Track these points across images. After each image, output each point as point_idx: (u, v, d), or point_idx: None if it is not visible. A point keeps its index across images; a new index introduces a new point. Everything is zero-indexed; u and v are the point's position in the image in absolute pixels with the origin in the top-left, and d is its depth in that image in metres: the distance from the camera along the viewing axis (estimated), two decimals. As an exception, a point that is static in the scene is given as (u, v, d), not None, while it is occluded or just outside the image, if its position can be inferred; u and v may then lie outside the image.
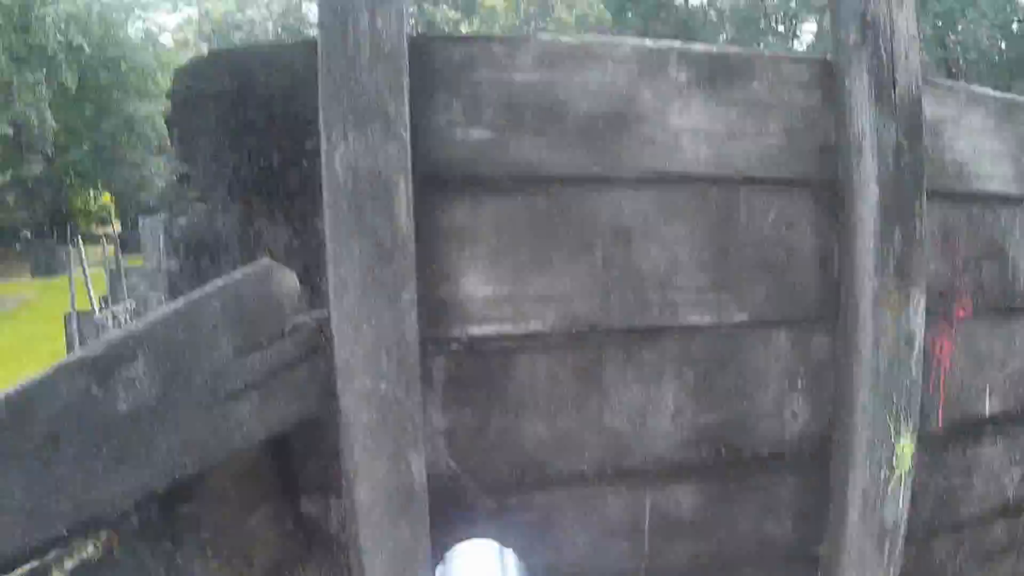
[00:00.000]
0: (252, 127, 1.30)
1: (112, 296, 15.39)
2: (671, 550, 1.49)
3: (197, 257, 1.33)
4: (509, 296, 1.34)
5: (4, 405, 1.07)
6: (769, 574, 1.59)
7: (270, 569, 1.36)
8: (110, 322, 12.73)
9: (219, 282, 1.21)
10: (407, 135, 1.21)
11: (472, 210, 1.32)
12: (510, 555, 1.08)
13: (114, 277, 16.54)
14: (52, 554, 1.15)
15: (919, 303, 1.54)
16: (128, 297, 14.58)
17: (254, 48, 1.36)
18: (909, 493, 1.56)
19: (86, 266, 15.72)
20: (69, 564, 1.17)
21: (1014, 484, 1.86)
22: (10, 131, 34.17)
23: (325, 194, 1.20)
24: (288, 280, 1.24)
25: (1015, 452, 1.84)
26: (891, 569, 1.59)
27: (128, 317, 12.91)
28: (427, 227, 1.27)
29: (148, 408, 1.14)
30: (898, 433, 1.53)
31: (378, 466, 1.24)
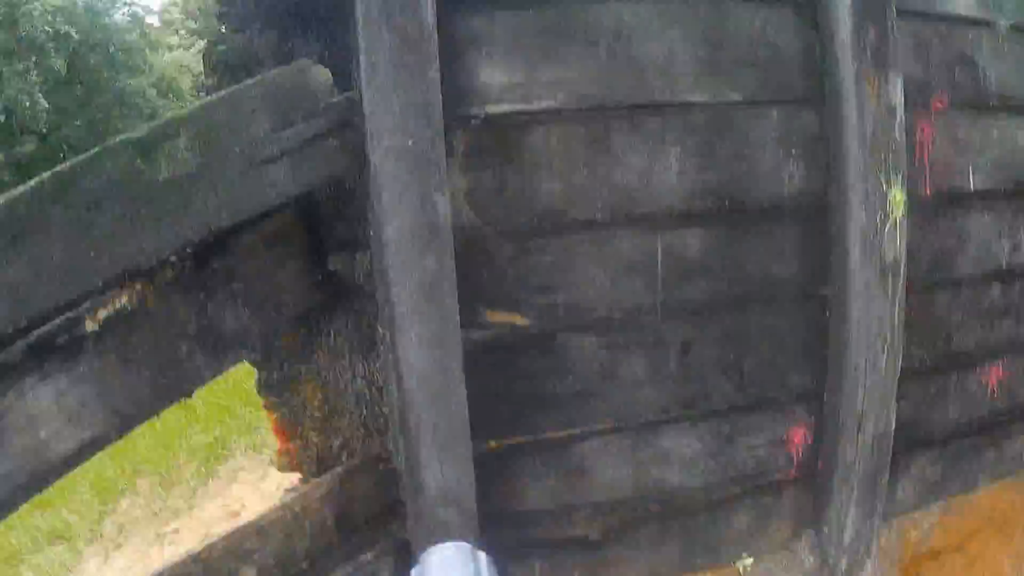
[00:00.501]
0: None
1: None
2: (684, 288, 1.70)
3: (234, 74, 1.57)
4: (523, 82, 1.54)
5: (50, 178, 1.21)
6: (779, 311, 1.79)
7: (298, 316, 1.58)
8: None
9: (258, 77, 1.44)
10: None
11: (488, 20, 1.52)
12: (483, 557, 1.08)
13: None
14: (86, 304, 1.29)
15: (896, 82, 1.73)
16: None
17: None
18: (904, 236, 1.76)
19: None
20: (103, 314, 1.32)
21: (1006, 254, 2.02)
22: (1, 116, 35.69)
23: (358, 4, 1.42)
24: (322, 73, 1.45)
25: (1003, 225, 2.01)
26: (895, 306, 1.79)
27: None
28: (448, 34, 1.47)
29: (188, 175, 1.30)
30: (889, 184, 1.72)
31: (406, 206, 1.44)
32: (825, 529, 1.96)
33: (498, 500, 1.74)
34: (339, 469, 1.61)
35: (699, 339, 1.75)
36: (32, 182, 1.20)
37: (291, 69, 1.45)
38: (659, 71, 1.62)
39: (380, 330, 1.55)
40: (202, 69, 1.72)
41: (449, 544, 1.09)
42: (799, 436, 1.88)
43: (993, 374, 2.09)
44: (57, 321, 1.27)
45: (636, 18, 1.61)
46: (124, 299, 1.36)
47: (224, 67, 1.57)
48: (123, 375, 1.36)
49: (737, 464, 1.86)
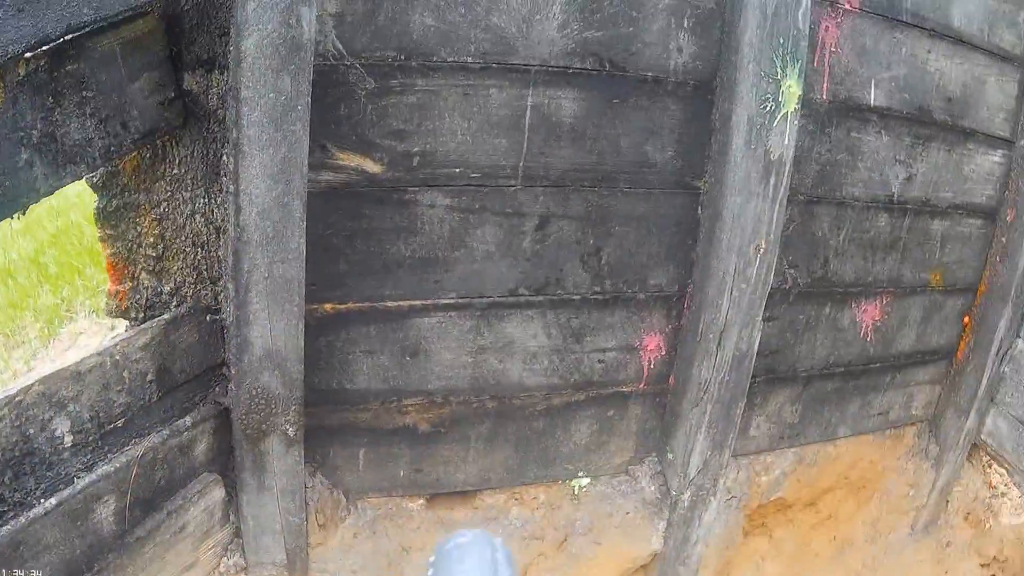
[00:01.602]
0: None
1: None
2: (550, 154, 1.82)
3: None
4: None
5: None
6: (649, 197, 1.93)
7: (144, 134, 1.60)
8: None
9: None
10: None
11: None
12: (500, 545, 1.18)
13: None
14: None
15: (804, -32, 1.89)
16: None
17: None
18: (794, 133, 1.92)
19: None
20: None
21: (899, 183, 2.23)
22: None
23: None
24: None
25: (899, 151, 2.22)
26: (775, 209, 1.95)
27: None
28: None
29: None
30: (784, 73, 1.87)
31: (269, 15, 1.48)
32: (670, 455, 2.12)
33: (326, 374, 1.83)
34: (165, 316, 1.65)
35: (558, 216, 1.87)
36: None
37: None
38: None
39: (225, 159, 1.57)
40: None
41: (466, 532, 1.18)
42: (653, 344, 2.04)
43: (869, 313, 2.31)
44: None
45: None
46: None
47: None
48: None
49: (583, 367, 2.01)
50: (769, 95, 1.87)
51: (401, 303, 1.81)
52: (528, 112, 1.78)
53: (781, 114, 1.90)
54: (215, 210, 1.66)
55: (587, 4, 1.77)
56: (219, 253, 1.67)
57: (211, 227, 1.67)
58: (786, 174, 1.95)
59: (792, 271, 2.13)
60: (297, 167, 1.56)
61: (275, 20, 1.49)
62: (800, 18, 1.88)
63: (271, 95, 1.51)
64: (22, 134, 1.43)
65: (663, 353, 2.05)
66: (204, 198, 1.67)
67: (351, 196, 1.71)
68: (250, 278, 1.59)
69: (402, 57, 1.67)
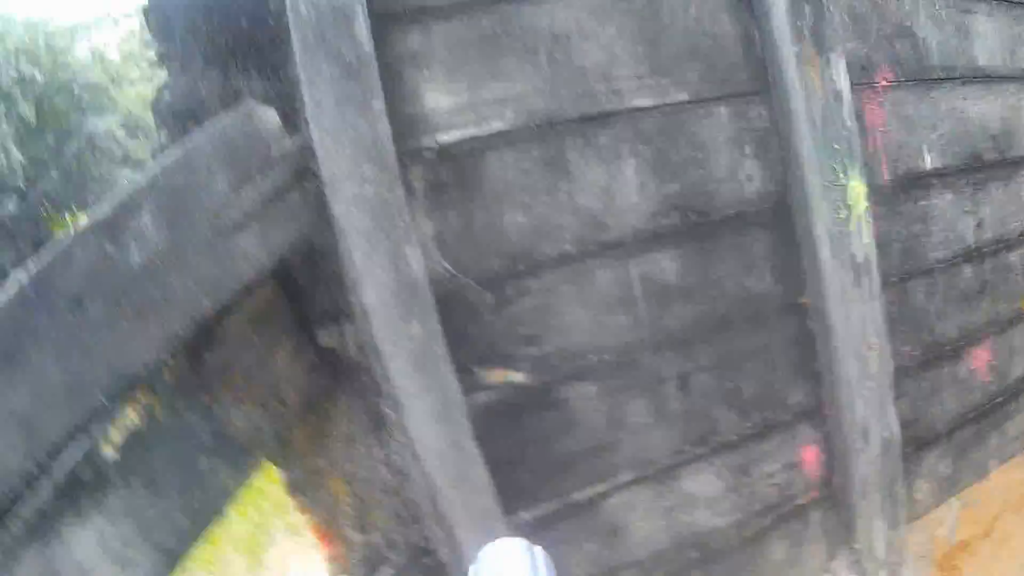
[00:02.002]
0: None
1: None
2: (668, 316, 1.88)
3: (184, 124, 1.67)
4: (469, 103, 1.71)
5: (29, 279, 1.35)
6: (764, 326, 1.99)
7: (303, 404, 1.68)
8: None
9: (207, 126, 1.55)
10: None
11: (424, 36, 1.68)
12: (540, 552, 1.24)
13: None
14: (96, 428, 1.43)
15: (839, 64, 2.00)
16: None
17: None
18: (870, 230, 2.00)
19: None
20: (118, 437, 1.47)
21: (971, 231, 2.32)
22: None
23: (293, 32, 1.55)
24: (269, 116, 1.58)
25: (964, 203, 2.32)
26: (874, 305, 2.03)
27: None
28: (387, 55, 1.63)
29: (160, 255, 1.44)
30: (845, 175, 1.97)
31: (379, 265, 1.57)
32: (857, 545, 2.15)
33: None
34: (388, 571, 1.69)
35: (694, 369, 1.93)
36: (10, 289, 1.32)
37: (238, 115, 1.56)
38: (602, 76, 1.82)
39: (385, 411, 1.63)
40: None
41: (505, 539, 1.25)
42: (811, 455, 2.08)
43: (981, 358, 2.37)
44: (75, 453, 1.39)
45: (571, 17, 1.80)
46: (132, 415, 1.48)
47: (172, 116, 1.66)
48: (154, 502, 1.48)
49: (759, 495, 2.04)
50: (839, 202, 1.95)
51: (586, 493, 1.85)
52: (636, 283, 1.85)
53: (854, 216, 1.98)
54: (392, 456, 1.71)
55: (656, 158, 1.85)
56: (412, 496, 1.72)
57: (395, 473, 1.72)
58: (874, 270, 2.02)
59: (906, 348, 2.19)
60: (456, 405, 1.63)
61: (386, 266, 1.57)
62: (847, 117, 1.98)
63: (407, 344, 1.59)
64: (193, 441, 1.52)
65: (821, 458, 2.10)
66: (378, 447, 1.73)
67: (509, 409, 1.75)
68: (450, 517, 1.63)
69: (508, 263, 1.74)
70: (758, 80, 1.97)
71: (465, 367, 1.69)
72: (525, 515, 1.79)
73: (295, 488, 1.76)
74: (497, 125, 1.72)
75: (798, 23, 1.93)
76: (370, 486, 1.74)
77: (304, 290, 1.68)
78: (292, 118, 1.62)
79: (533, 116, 1.75)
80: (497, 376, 1.73)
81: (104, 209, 1.45)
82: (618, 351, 1.84)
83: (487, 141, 1.72)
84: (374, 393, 1.69)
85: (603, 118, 1.81)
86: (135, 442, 1.48)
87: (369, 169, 1.57)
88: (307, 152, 1.57)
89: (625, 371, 1.86)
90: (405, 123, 1.65)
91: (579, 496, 1.84)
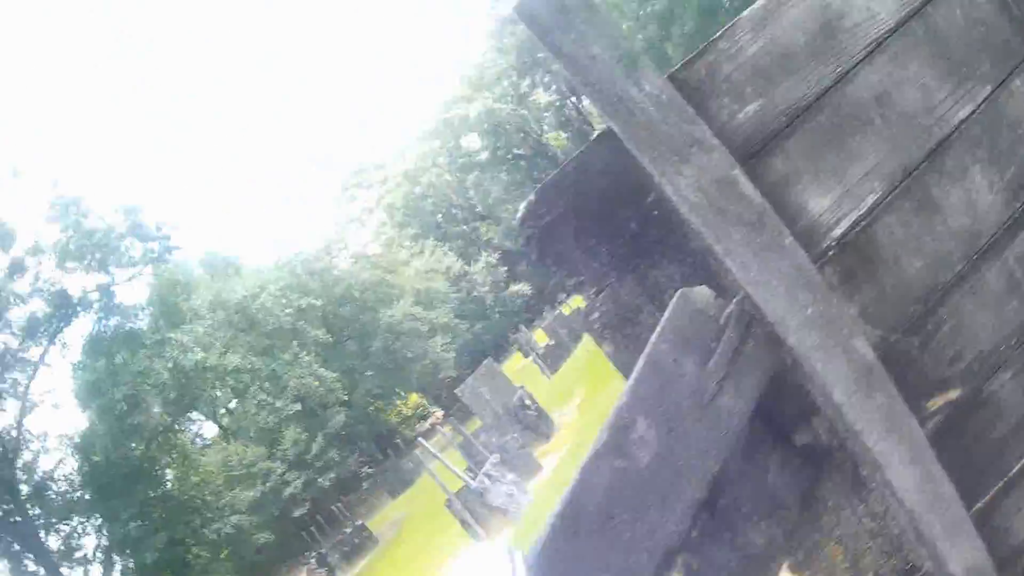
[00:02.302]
0: (602, 218, 1.92)
1: (474, 462, 19.45)
2: None
3: (621, 330, 1.97)
4: (842, 193, 1.92)
5: (558, 514, 1.69)
6: None
7: (800, 500, 2.00)
8: (487, 482, 16.35)
9: (657, 330, 1.83)
10: (718, 143, 1.80)
11: (784, 158, 1.90)
12: (519, 554, 1.49)
13: (465, 446, 21.58)
14: None
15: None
16: (490, 452, 18.45)
17: (566, 169, 1.95)
18: None
19: (436, 454, 19.91)
20: None
21: None
22: (297, 406, 46.40)
23: (692, 218, 1.80)
24: (702, 292, 1.85)
25: None
26: None
27: (498, 469, 16.70)
28: (763, 187, 1.87)
29: (662, 448, 1.76)
30: None
31: (836, 366, 1.82)
32: None
33: (1001, 550, 2.12)
34: None
35: None
36: (543, 529, 1.65)
37: (677, 304, 1.82)
38: (925, 110, 1.98)
39: (865, 472, 1.94)
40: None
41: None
42: None
43: None
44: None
45: (880, 75, 1.97)
46: None
47: (610, 331, 1.96)
48: None
49: None
50: None
51: (1019, 463, 2.08)
52: (1014, 267, 2.03)
53: None
54: (872, 506, 2.02)
55: (989, 155, 2.01)
56: (893, 531, 2.04)
57: (876, 519, 2.04)
58: None
59: None
60: (922, 446, 1.88)
61: (843, 364, 1.83)
62: None
63: (875, 415, 1.84)
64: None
65: None
66: (860, 503, 2.03)
67: (951, 424, 2.01)
68: (932, 537, 1.91)
69: (921, 304, 1.97)
70: (1024, 37, 2.11)
71: (916, 406, 1.95)
72: (980, 506, 2.07)
73: (798, 567, 2.10)
74: (871, 199, 1.94)
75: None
76: (857, 539, 2.06)
77: (772, 409, 1.97)
78: (716, 282, 1.89)
79: (894, 176, 1.95)
80: (937, 403, 2.01)
81: (603, 436, 1.75)
82: (1017, 332, 2.06)
83: (869, 216, 1.94)
84: (851, 463, 2.00)
85: (942, 146, 2.00)
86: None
87: (803, 295, 1.82)
88: (746, 307, 1.84)
89: (1019, 349, 2.09)
90: (805, 238, 1.89)
91: (1015, 469, 2.09)
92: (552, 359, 34.42)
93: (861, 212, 1.94)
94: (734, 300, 1.84)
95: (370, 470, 50.05)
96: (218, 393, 48.65)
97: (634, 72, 1.76)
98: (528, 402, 21.59)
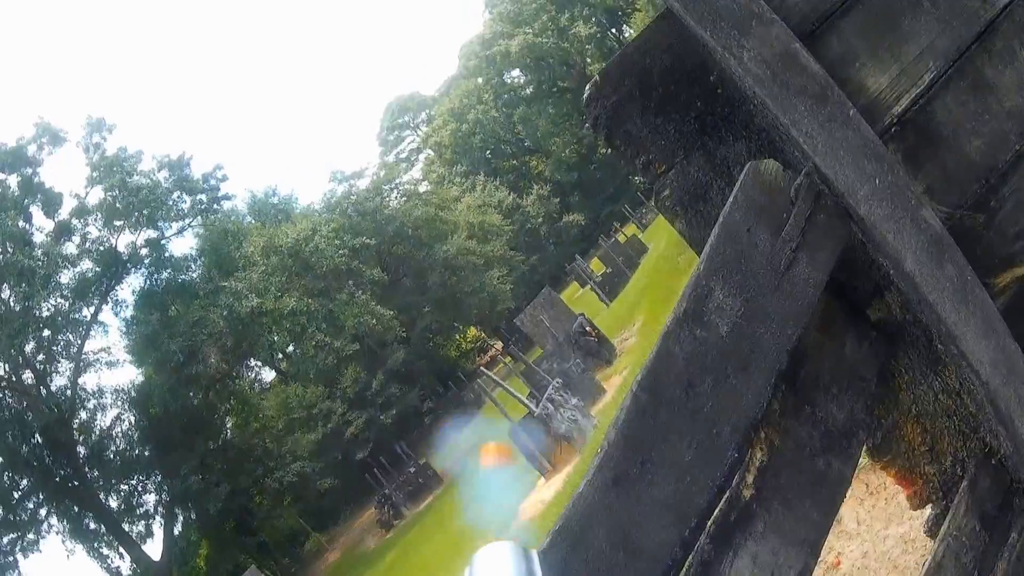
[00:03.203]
0: (667, 96, 1.91)
1: (538, 389, 18.76)
2: None
3: (694, 206, 1.97)
4: (899, 72, 1.85)
5: (638, 387, 1.62)
6: None
7: (878, 374, 1.98)
8: (551, 408, 15.90)
9: (729, 200, 1.82)
10: (776, 17, 1.80)
11: (839, 38, 1.86)
12: (536, 559, 1.22)
13: (528, 374, 20.90)
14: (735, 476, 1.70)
15: None
16: (552, 379, 17.76)
17: (627, 50, 1.95)
18: None
19: (499, 381, 19.81)
20: (751, 477, 1.74)
21: None
22: (356, 345, 46.14)
23: (759, 90, 1.78)
24: (771, 165, 1.82)
25: None
26: None
27: (561, 394, 16.24)
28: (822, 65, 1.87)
29: (741, 317, 1.68)
30: None
31: (907, 237, 1.77)
32: None
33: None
34: (964, 483, 2.00)
35: None
36: (626, 402, 1.60)
37: (747, 176, 1.80)
38: None
39: (940, 346, 1.92)
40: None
41: (497, 543, 1.26)
42: None
43: None
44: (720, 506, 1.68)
45: None
46: (758, 453, 1.74)
47: (683, 207, 1.96)
48: (789, 513, 1.73)
49: None
50: None
51: None
52: None
53: None
54: (948, 382, 2.00)
55: None
56: (970, 409, 2.02)
57: (952, 396, 2.01)
58: None
59: None
60: (995, 317, 1.84)
61: (913, 235, 1.78)
62: None
63: (948, 285, 1.79)
64: (809, 450, 1.82)
65: None
66: (936, 379, 2.00)
67: (1021, 299, 1.97)
68: (1009, 412, 1.84)
69: (983, 182, 1.93)
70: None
71: (985, 283, 1.92)
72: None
73: (877, 452, 2.07)
74: (928, 77, 1.87)
75: None
76: (934, 417, 2.01)
77: (845, 285, 1.96)
78: (782, 157, 1.89)
79: (948, 54, 1.90)
80: (1006, 278, 2.00)
81: (682, 304, 1.68)
82: None
83: (927, 94, 1.89)
84: (925, 337, 1.95)
85: (992, 28, 1.95)
86: (765, 473, 1.75)
87: (870, 166, 1.80)
88: (814, 179, 1.84)
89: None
90: (866, 115, 1.87)
91: None
92: (609, 287, 34.33)
93: (920, 90, 1.91)
94: (803, 172, 1.84)
95: (432, 404, 48.86)
96: (275, 338, 48.11)
97: (693, -60, 1.78)
98: (588, 328, 21.12)
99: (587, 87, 1.90)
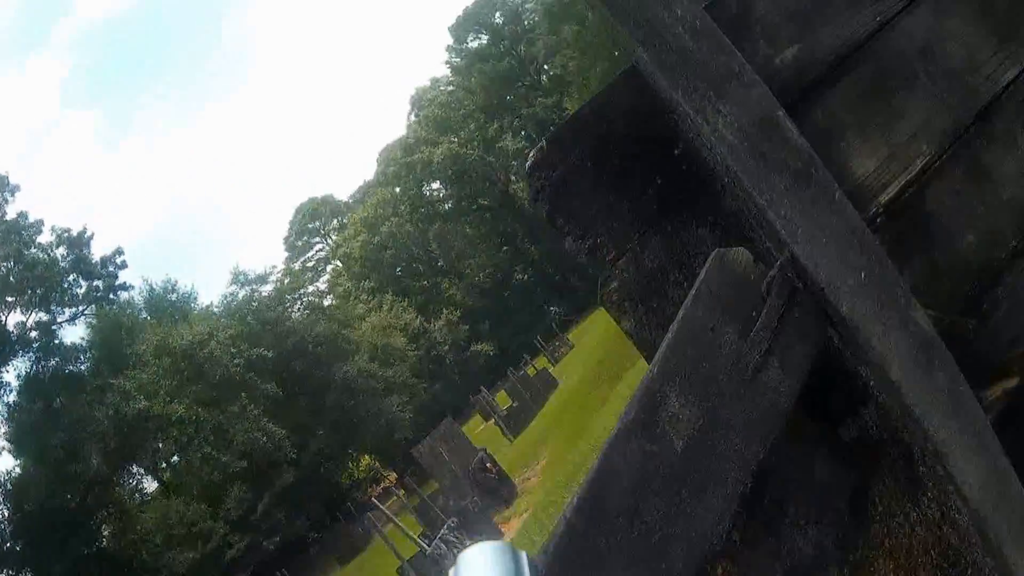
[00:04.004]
0: (624, 170, 1.65)
1: (431, 527, 18.15)
2: None
3: (646, 301, 1.70)
4: (889, 154, 1.64)
5: (575, 508, 1.35)
6: None
7: (850, 502, 1.73)
8: (444, 548, 15.11)
9: (691, 293, 1.56)
10: (758, 78, 1.58)
11: (824, 109, 1.63)
12: (526, 559, 1.16)
13: (422, 509, 20.21)
14: None
15: None
16: (447, 517, 17.12)
17: (583, 111, 1.70)
18: None
19: (391, 516, 18.87)
20: None
21: None
22: (244, 463, 43.69)
23: (732, 163, 1.56)
24: (741, 254, 1.58)
25: None
26: None
27: (456, 534, 15.51)
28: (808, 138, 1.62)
29: (699, 429, 1.42)
30: None
31: (894, 338, 1.53)
32: None
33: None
34: None
35: None
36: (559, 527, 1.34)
37: (712, 268, 1.55)
38: (971, 68, 1.74)
39: (922, 468, 1.67)
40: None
41: (487, 543, 1.17)
42: None
43: None
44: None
45: (921, 26, 1.75)
46: None
47: (632, 302, 1.68)
48: None
49: None
50: None
51: None
52: None
53: None
54: (926, 512, 1.74)
55: None
56: (952, 541, 1.77)
57: (931, 527, 1.76)
58: None
59: None
60: (987, 431, 1.60)
61: (901, 337, 1.54)
62: None
63: (937, 395, 1.55)
64: None
65: None
66: (914, 509, 1.74)
67: (1010, 414, 1.72)
68: (998, 540, 1.63)
69: (975, 282, 1.73)
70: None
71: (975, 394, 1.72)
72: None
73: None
74: (920, 163, 1.65)
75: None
76: (910, 552, 1.79)
77: (816, 397, 1.71)
78: (752, 246, 1.64)
79: (943, 137, 1.68)
80: (996, 391, 1.76)
81: (630, 413, 1.41)
82: None
83: (918, 181, 1.66)
84: (904, 459, 1.71)
85: (990, 108, 1.75)
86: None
87: (856, 257, 1.55)
88: (789, 273, 1.59)
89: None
90: (850, 200, 1.65)
91: None
92: (515, 422, 32.82)
93: (911, 176, 1.67)
94: (777, 263, 1.59)
95: (318, 534, 47.06)
96: (160, 445, 45.84)
97: (664, -8, 1.54)
98: (489, 464, 20.45)
99: (532, 152, 1.63)
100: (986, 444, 1.60)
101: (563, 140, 1.62)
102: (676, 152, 1.61)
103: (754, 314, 1.53)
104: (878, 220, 1.63)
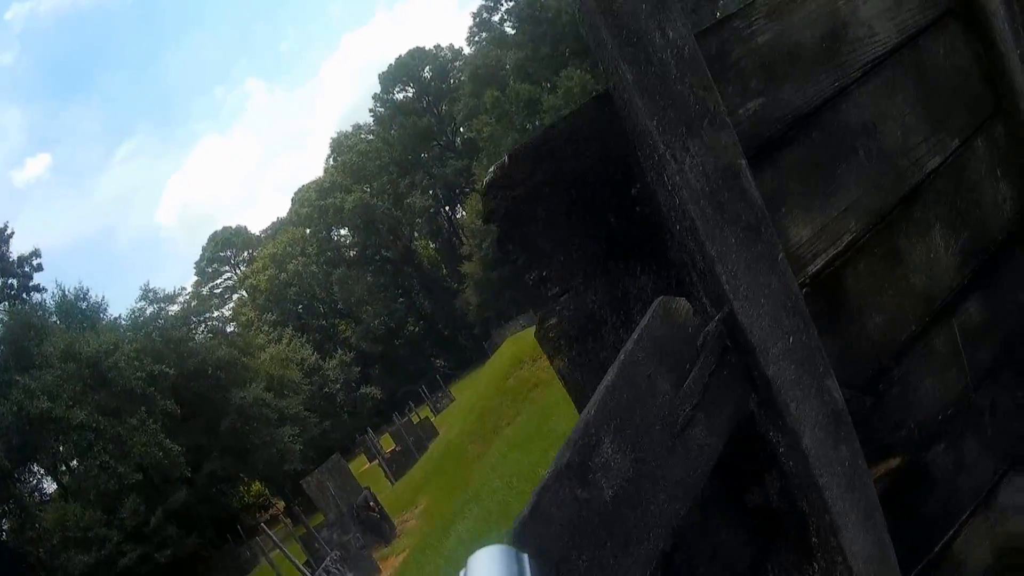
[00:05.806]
0: (580, 203, 1.54)
1: (315, 557, 18.50)
2: (979, 352, 1.89)
3: (582, 342, 1.60)
4: (823, 226, 1.62)
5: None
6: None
7: (751, 566, 1.70)
8: None
9: (633, 336, 1.49)
10: (729, 121, 1.53)
11: (775, 171, 1.58)
12: (528, 563, 1.18)
13: (307, 539, 20.51)
14: None
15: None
16: (331, 549, 17.51)
17: (549, 133, 1.58)
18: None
19: (278, 543, 18.82)
20: None
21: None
22: (140, 475, 43.64)
23: (690, 207, 1.49)
24: (682, 306, 1.50)
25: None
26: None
27: (338, 567, 15.96)
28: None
29: (628, 480, 1.35)
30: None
31: (811, 406, 1.51)
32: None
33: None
34: None
35: (999, 392, 1.96)
36: None
37: (656, 316, 1.48)
38: (902, 150, 1.76)
39: (814, 539, 1.66)
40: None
41: (492, 547, 1.19)
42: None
43: None
44: None
45: (869, 101, 1.75)
46: None
47: (567, 341, 1.58)
48: None
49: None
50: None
51: (941, 542, 1.92)
52: (958, 336, 1.87)
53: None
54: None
55: (948, 213, 1.85)
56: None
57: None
58: None
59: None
60: (876, 507, 1.62)
61: (817, 406, 1.55)
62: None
63: (839, 468, 1.57)
64: None
65: None
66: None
67: (891, 494, 1.75)
68: None
69: (877, 362, 1.75)
70: (993, 97, 1.92)
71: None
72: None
73: None
74: (847, 239, 1.65)
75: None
76: None
77: (726, 462, 1.67)
78: (689, 300, 1.59)
79: (871, 216, 1.68)
80: (879, 470, 1.79)
81: (566, 454, 1.33)
82: (955, 402, 1.84)
83: (842, 257, 1.65)
84: (796, 531, 1.71)
85: (913, 193, 1.76)
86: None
87: (788, 321, 1.52)
88: (725, 328, 1.54)
89: (960, 418, 1.86)
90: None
91: (936, 549, 1.88)
92: (397, 465, 33.23)
93: (836, 251, 1.65)
94: (716, 318, 1.55)
95: (208, 554, 46.95)
96: (61, 448, 45.10)
97: (662, 11, 1.47)
98: (372, 503, 20.59)
99: (492, 168, 1.51)
100: (875, 519, 1.61)
101: (525, 160, 1.51)
102: (633, 191, 1.53)
103: (688, 367, 1.47)
104: (804, 290, 1.60)
